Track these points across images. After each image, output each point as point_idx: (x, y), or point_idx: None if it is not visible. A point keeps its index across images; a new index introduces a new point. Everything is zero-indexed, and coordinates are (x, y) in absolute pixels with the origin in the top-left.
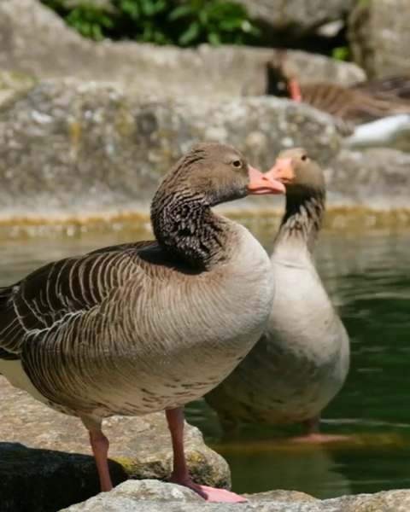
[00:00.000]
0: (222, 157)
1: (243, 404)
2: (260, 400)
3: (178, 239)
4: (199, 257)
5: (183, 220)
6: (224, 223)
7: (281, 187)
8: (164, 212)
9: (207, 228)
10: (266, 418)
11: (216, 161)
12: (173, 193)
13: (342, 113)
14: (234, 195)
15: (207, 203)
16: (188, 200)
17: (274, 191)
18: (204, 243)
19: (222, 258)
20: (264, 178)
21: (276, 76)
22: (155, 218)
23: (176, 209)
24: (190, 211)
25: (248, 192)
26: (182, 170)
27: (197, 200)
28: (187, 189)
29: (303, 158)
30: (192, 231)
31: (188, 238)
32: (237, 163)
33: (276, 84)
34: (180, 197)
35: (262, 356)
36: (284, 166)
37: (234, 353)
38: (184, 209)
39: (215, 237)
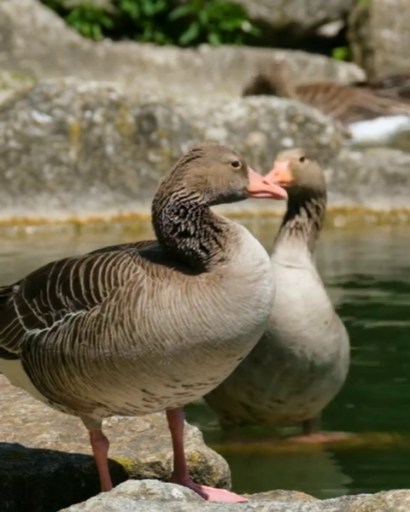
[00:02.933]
0: (220, 156)
1: (243, 403)
2: (259, 400)
3: (178, 240)
4: (199, 258)
5: (182, 221)
6: (224, 223)
7: (282, 192)
8: (163, 214)
9: (207, 228)
10: (267, 418)
11: (213, 160)
12: (170, 193)
13: (344, 109)
14: (232, 196)
15: (204, 202)
16: (184, 200)
17: (275, 196)
18: (204, 244)
19: (222, 259)
20: (265, 182)
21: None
22: (155, 220)
23: (173, 210)
24: (189, 212)
25: (248, 194)
26: (179, 169)
27: (194, 199)
28: (183, 188)
29: (302, 159)
30: (192, 233)
31: (188, 239)
32: (235, 163)
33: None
34: (176, 198)
35: (262, 356)
36: (282, 169)
37: (234, 354)
38: (181, 210)
39: (215, 238)
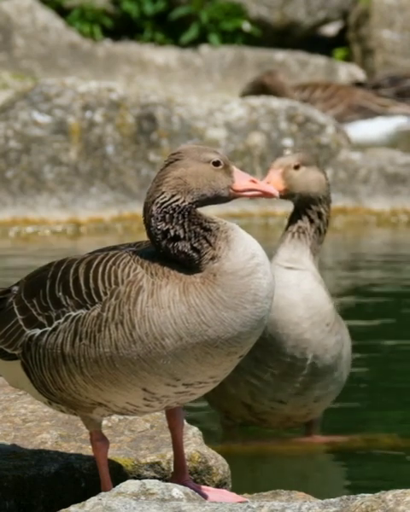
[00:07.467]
0: (199, 156)
1: (245, 403)
2: (261, 400)
3: (170, 245)
4: (191, 259)
5: (170, 227)
6: (214, 223)
7: (272, 190)
8: (151, 222)
9: (197, 229)
10: (268, 419)
11: (192, 160)
12: (153, 202)
13: (343, 107)
14: (217, 196)
15: (186, 203)
16: (166, 204)
17: (265, 194)
18: (195, 245)
19: (213, 258)
20: (253, 180)
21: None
22: (146, 228)
23: (158, 218)
24: (174, 216)
25: (234, 193)
26: (159, 176)
27: (175, 202)
28: (163, 193)
29: (297, 167)
30: (182, 236)
31: (179, 243)
32: (216, 163)
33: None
34: (158, 204)
35: (263, 357)
36: (273, 178)
37: (235, 351)
38: (167, 216)
39: (205, 237)
